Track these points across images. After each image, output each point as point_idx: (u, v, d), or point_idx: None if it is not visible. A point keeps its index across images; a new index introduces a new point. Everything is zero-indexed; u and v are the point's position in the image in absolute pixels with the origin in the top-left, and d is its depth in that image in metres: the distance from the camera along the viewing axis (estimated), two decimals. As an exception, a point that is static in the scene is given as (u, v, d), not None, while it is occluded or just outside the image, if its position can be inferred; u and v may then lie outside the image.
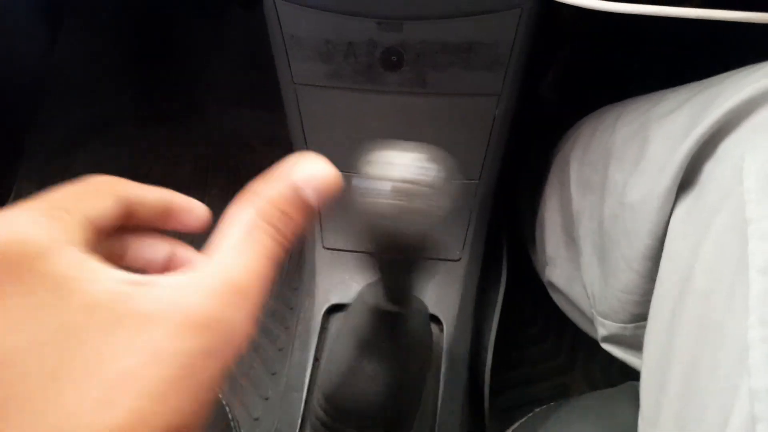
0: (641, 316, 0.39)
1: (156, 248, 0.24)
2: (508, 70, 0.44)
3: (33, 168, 0.86)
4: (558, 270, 0.52)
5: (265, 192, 0.20)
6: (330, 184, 0.20)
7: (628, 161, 0.39)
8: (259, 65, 0.57)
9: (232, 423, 0.42)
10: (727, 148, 0.31)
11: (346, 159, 0.27)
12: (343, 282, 0.59)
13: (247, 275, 0.18)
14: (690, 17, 0.32)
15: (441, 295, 0.58)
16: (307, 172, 0.20)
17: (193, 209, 0.24)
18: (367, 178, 0.24)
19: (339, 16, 0.42)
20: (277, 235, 0.19)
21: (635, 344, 0.41)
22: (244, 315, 0.18)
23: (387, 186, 0.23)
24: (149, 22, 0.93)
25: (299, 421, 0.51)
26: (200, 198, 0.24)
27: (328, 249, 0.60)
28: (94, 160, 0.86)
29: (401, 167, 0.23)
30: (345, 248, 0.60)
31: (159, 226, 0.23)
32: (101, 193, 0.20)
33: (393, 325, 0.37)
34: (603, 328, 0.43)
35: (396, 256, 0.26)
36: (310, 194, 0.20)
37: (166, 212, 0.23)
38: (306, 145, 0.52)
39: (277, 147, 0.85)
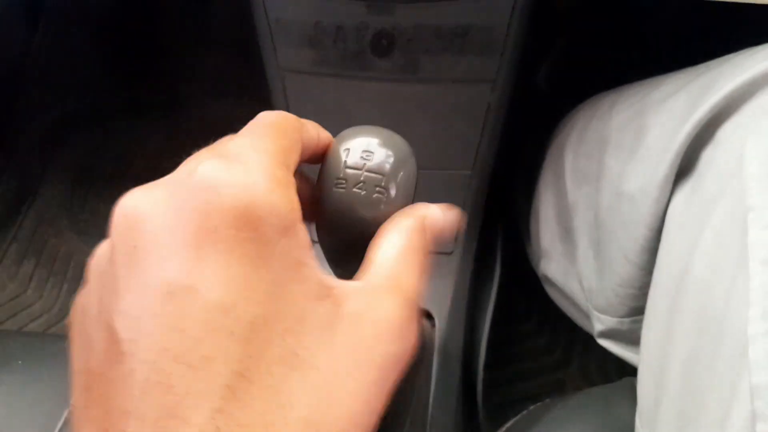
0: (639, 310, 0.38)
1: None
2: (503, 56, 0.43)
3: (15, 162, 0.85)
4: (553, 264, 0.51)
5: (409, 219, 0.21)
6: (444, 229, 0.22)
7: (624, 149, 0.38)
8: (245, 52, 0.55)
9: None
10: (726, 133, 0.30)
11: None
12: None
13: (417, 290, 0.19)
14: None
15: (433, 289, 0.57)
16: (433, 215, 0.21)
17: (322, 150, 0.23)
18: (325, 163, 0.23)
19: None
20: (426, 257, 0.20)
21: (632, 339, 0.41)
22: (417, 327, 0.18)
23: (338, 172, 0.22)
24: (131, 11, 0.91)
25: None
26: None
27: (315, 242, 0.59)
28: (77, 153, 0.85)
29: (351, 152, 0.22)
30: None
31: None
32: (295, 143, 0.20)
33: None
34: (599, 322, 0.43)
35: (339, 247, 0.23)
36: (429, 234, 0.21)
37: (314, 153, 0.22)
38: None
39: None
